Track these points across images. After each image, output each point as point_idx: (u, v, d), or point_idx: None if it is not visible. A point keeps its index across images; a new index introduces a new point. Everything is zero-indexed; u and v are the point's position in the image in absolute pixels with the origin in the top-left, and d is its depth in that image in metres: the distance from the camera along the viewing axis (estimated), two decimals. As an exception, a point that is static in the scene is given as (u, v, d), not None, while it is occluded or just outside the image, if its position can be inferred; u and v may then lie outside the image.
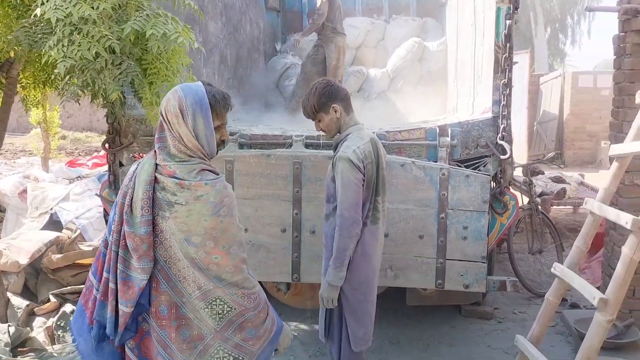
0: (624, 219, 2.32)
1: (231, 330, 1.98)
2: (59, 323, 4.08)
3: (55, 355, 3.79)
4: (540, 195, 6.75)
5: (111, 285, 1.97)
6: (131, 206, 1.95)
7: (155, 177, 1.95)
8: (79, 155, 11.47)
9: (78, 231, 5.26)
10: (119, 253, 1.96)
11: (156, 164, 1.97)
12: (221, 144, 2.08)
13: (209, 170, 1.99)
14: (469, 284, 3.37)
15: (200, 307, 1.96)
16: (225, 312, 1.96)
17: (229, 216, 1.95)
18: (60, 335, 4.02)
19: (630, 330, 3.84)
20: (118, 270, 1.96)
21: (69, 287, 4.47)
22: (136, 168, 2.01)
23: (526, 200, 5.57)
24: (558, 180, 7.50)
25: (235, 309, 1.97)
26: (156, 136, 2.00)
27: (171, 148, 1.96)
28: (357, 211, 2.70)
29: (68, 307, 4.24)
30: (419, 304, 4.40)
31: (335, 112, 2.80)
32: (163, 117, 1.98)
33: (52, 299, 4.36)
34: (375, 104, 6.38)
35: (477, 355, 3.88)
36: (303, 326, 4.31)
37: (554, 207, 7.19)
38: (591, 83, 12.39)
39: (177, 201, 1.91)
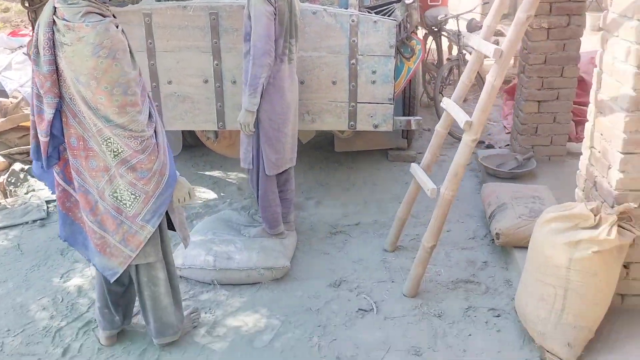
0: (490, 49, 2.58)
1: (124, 168, 2.22)
2: (9, 179, 4.37)
3: (9, 207, 4.12)
4: (479, 49, 6.96)
5: (32, 117, 2.26)
6: (37, 47, 2.14)
7: (54, 19, 2.10)
8: (25, 27, 11.05)
9: (21, 96, 5.37)
10: (34, 90, 2.21)
11: (55, 8, 2.12)
12: None
13: (97, 13, 2.10)
14: (378, 124, 3.68)
15: (100, 142, 2.21)
16: (119, 151, 2.19)
17: (110, 58, 2.06)
18: (12, 190, 4.33)
19: (529, 162, 4.29)
20: (34, 105, 2.22)
21: (16, 148, 4.70)
22: None
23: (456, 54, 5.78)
24: (500, 34, 7.66)
25: (125, 150, 2.18)
26: None
27: None
28: (267, 42, 2.93)
29: (17, 166, 4.51)
30: (346, 150, 4.79)
31: None
32: None
33: (1, 159, 4.59)
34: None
35: (394, 190, 4.33)
36: (242, 175, 4.69)
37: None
38: None
39: (65, 42, 2.07)
